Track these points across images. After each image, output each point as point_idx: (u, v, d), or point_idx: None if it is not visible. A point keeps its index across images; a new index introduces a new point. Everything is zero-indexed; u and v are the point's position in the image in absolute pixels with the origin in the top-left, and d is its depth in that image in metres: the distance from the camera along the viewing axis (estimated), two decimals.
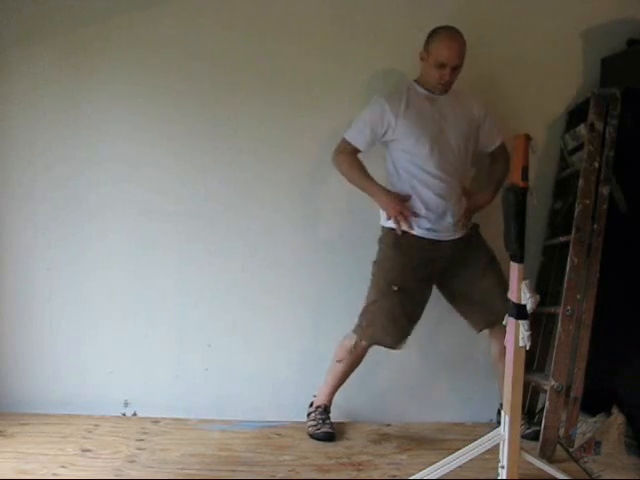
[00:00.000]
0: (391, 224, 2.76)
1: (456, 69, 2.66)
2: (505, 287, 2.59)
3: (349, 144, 2.78)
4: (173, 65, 3.05)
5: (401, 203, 2.72)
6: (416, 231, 2.74)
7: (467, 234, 2.81)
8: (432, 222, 2.74)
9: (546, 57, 3.04)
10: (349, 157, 2.79)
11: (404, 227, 2.71)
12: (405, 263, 2.76)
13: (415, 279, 2.77)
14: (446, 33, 2.65)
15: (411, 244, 2.75)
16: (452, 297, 2.87)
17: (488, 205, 2.82)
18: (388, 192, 2.75)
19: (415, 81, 2.78)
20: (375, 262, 2.83)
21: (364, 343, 2.82)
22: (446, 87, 2.70)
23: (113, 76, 3.06)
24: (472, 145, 2.80)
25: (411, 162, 2.73)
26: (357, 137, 2.77)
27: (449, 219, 2.75)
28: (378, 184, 2.77)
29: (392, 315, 2.75)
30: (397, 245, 2.77)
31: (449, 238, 2.77)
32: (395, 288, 2.73)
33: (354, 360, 2.86)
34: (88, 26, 3.03)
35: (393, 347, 2.79)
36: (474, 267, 2.79)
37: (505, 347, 2.63)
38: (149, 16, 3.03)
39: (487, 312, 2.74)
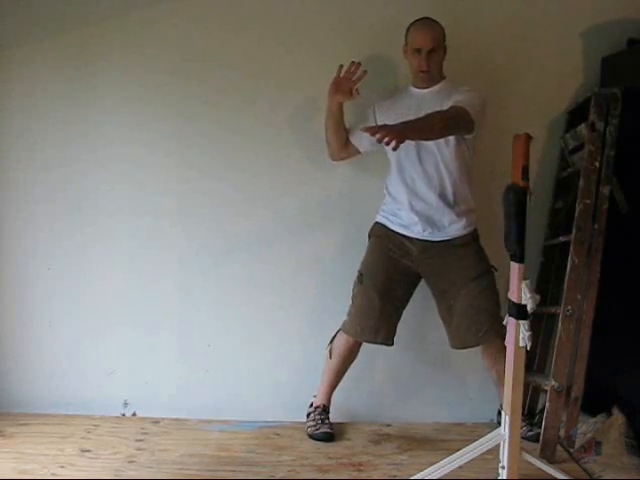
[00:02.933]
0: (377, 218, 2.85)
1: (432, 54, 2.69)
2: (492, 304, 2.64)
3: None
4: (174, 65, 3.05)
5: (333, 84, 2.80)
6: (390, 223, 2.80)
7: (460, 240, 2.77)
8: (405, 216, 2.77)
9: (546, 57, 3.04)
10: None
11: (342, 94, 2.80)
12: (374, 252, 2.82)
13: (386, 273, 2.78)
14: (420, 20, 2.73)
15: (384, 236, 2.81)
16: (437, 303, 2.85)
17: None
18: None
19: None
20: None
21: (344, 336, 2.84)
22: (427, 75, 2.73)
23: (113, 76, 3.06)
24: (456, 138, 2.72)
25: (391, 159, 2.81)
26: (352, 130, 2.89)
27: (423, 217, 2.75)
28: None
29: (362, 308, 2.80)
30: (370, 235, 2.87)
31: (432, 238, 2.76)
32: (358, 274, 2.79)
33: (346, 356, 2.86)
34: (88, 26, 3.04)
35: (367, 341, 2.81)
36: (457, 279, 2.74)
37: (495, 358, 2.71)
38: (149, 16, 3.04)
39: (457, 333, 2.76)
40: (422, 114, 2.53)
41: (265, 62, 3.05)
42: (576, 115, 2.95)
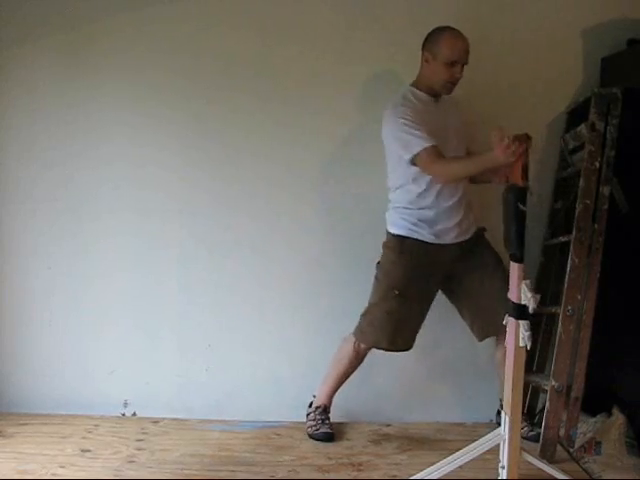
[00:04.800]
0: (396, 230, 2.76)
1: (463, 66, 2.65)
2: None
3: (425, 152, 2.55)
4: (175, 65, 3.05)
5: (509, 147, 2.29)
6: (421, 236, 2.73)
7: (472, 238, 2.80)
8: (437, 226, 2.73)
9: (546, 57, 3.04)
10: (439, 159, 2.56)
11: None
12: (408, 268, 2.74)
13: (417, 285, 2.76)
14: (452, 32, 2.64)
15: (415, 249, 2.74)
16: (457, 303, 2.85)
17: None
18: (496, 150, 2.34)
19: (412, 86, 2.74)
20: (379, 265, 2.82)
21: (363, 346, 2.82)
22: (454, 86, 2.69)
23: (114, 76, 3.06)
24: (461, 147, 2.77)
25: (411, 173, 2.69)
26: (422, 139, 2.56)
27: (454, 222, 2.74)
28: (480, 155, 2.51)
29: (391, 319, 2.74)
30: (401, 250, 2.75)
31: (453, 242, 2.76)
32: (396, 292, 2.72)
33: (353, 362, 2.86)
34: (88, 26, 3.04)
35: (390, 350, 2.79)
36: (478, 273, 2.76)
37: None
38: (149, 16, 3.04)
39: (488, 321, 2.73)
40: (448, 124, 2.66)
41: (269, 61, 3.05)
42: (576, 115, 2.95)
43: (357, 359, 2.86)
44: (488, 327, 2.74)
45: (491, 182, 2.66)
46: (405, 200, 2.75)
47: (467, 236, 2.79)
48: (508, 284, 2.59)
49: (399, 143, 2.62)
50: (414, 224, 2.73)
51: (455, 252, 2.77)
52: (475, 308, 2.79)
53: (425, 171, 2.62)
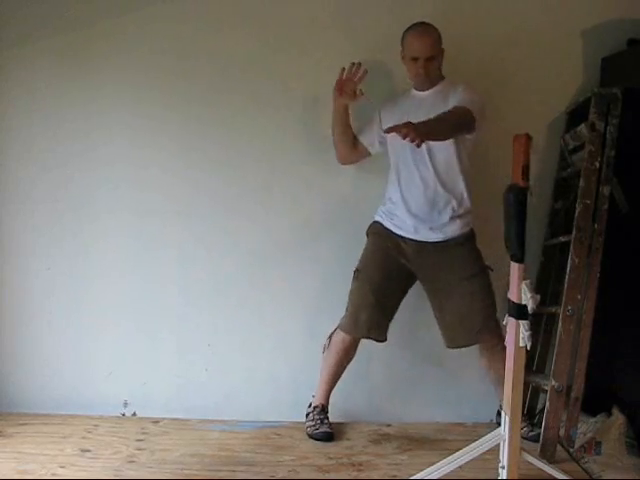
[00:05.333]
0: (375, 217, 2.86)
1: (430, 61, 2.69)
2: (485, 304, 2.67)
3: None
4: (175, 66, 3.05)
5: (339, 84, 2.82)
6: (384, 221, 2.83)
7: (447, 242, 2.77)
8: (395, 218, 2.79)
9: (546, 57, 3.04)
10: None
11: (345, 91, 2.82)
12: (370, 249, 2.85)
13: (380, 266, 2.81)
14: (415, 28, 2.72)
15: (377, 231, 2.84)
16: (431, 304, 2.85)
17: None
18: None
19: None
20: None
21: (340, 333, 2.85)
22: (425, 80, 2.74)
23: (113, 77, 3.06)
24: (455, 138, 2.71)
25: (393, 160, 2.82)
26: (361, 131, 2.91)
27: (413, 219, 2.76)
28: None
29: (356, 303, 2.82)
30: (368, 233, 2.88)
31: (414, 237, 2.78)
32: (356, 270, 2.82)
33: (341, 354, 2.87)
34: (88, 27, 3.04)
35: (360, 336, 2.83)
36: (451, 280, 2.75)
37: (491, 358, 2.72)
38: (149, 17, 3.04)
39: (455, 335, 2.76)
40: (421, 115, 2.52)
41: (268, 63, 3.05)
42: (576, 115, 2.95)
43: (346, 352, 2.87)
44: (454, 338, 2.78)
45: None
46: (387, 187, 2.88)
47: (434, 238, 2.77)
48: (480, 300, 2.67)
49: None
50: (382, 211, 2.86)
51: (418, 250, 2.78)
52: (442, 317, 2.80)
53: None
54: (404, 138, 2.29)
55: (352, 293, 2.85)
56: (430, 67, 2.70)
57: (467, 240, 2.80)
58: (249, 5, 3.04)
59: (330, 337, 2.89)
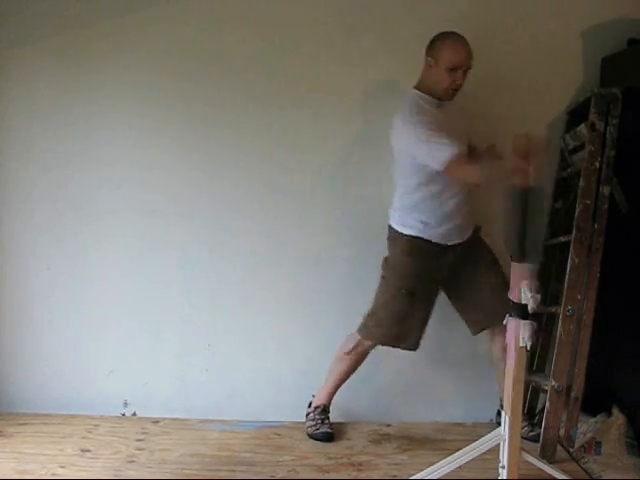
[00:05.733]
0: (406, 230, 2.76)
1: (466, 72, 2.65)
2: (506, 289, 2.60)
3: (455, 158, 2.53)
4: (175, 66, 3.05)
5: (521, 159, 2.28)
6: (429, 236, 2.75)
7: (471, 236, 2.82)
8: (443, 227, 2.75)
9: (546, 57, 3.04)
10: (467, 163, 2.59)
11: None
12: (416, 268, 2.77)
13: (423, 284, 2.79)
14: (454, 37, 2.65)
15: (423, 249, 2.76)
16: (454, 298, 2.87)
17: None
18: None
19: (416, 89, 2.73)
20: (386, 264, 2.83)
21: (369, 343, 2.83)
22: (456, 91, 2.69)
23: (114, 77, 3.06)
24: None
25: (418, 175, 2.70)
26: (448, 146, 2.54)
27: (458, 222, 2.76)
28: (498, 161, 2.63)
29: (400, 317, 2.77)
30: (410, 251, 2.77)
31: (457, 242, 2.78)
32: (404, 291, 2.75)
33: (356, 360, 2.87)
34: (89, 27, 3.03)
35: (399, 347, 2.81)
36: (475, 269, 2.80)
37: (506, 347, 2.67)
38: (149, 17, 3.04)
39: (484, 315, 2.76)
40: (453, 129, 2.60)
41: (268, 63, 3.05)
42: (576, 115, 2.95)
43: (359, 358, 2.87)
44: (483, 320, 2.78)
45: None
46: (415, 201, 2.75)
47: (468, 234, 2.81)
48: (504, 280, 2.62)
49: (423, 151, 2.59)
50: (423, 224, 2.74)
51: (457, 251, 2.79)
52: (471, 302, 2.81)
53: (454, 175, 2.60)
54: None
55: (399, 313, 2.76)
56: (465, 79, 2.67)
57: (479, 233, 2.87)
58: (252, 5, 3.04)
59: (356, 346, 2.85)
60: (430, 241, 2.75)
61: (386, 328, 2.79)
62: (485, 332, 2.83)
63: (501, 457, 2.30)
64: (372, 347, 2.85)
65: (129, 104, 3.07)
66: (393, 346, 2.82)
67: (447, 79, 2.64)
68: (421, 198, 2.73)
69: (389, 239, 2.83)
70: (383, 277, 2.82)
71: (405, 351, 2.81)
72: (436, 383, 3.14)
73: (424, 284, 2.79)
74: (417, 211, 2.75)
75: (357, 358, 2.87)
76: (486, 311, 2.73)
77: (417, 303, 2.78)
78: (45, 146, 3.08)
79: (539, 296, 2.22)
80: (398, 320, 2.77)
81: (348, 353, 2.87)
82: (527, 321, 2.21)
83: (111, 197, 3.09)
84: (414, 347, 2.82)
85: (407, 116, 2.66)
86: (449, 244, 2.77)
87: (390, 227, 2.82)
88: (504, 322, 2.31)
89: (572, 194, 2.84)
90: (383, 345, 2.83)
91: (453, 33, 2.66)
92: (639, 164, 2.75)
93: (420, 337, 2.81)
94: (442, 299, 2.87)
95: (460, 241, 2.79)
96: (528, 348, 2.24)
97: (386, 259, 2.83)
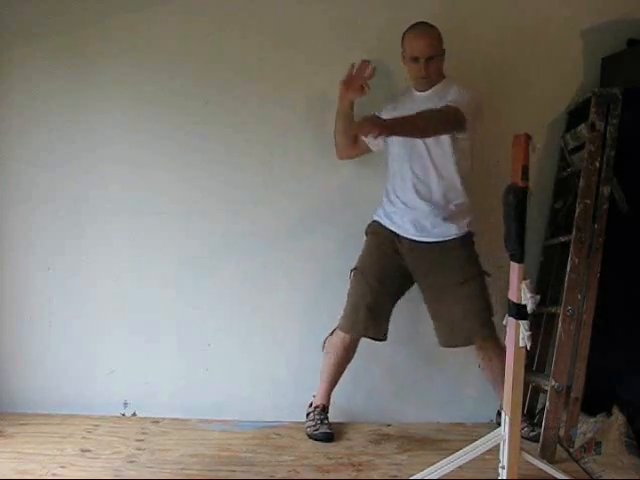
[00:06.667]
0: (374, 217, 2.86)
1: (430, 60, 2.69)
2: (479, 308, 2.67)
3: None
4: (174, 66, 3.06)
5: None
6: (382, 220, 2.83)
7: (444, 243, 2.75)
8: (395, 216, 2.79)
9: (546, 57, 3.04)
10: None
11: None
12: (369, 249, 2.85)
13: (379, 269, 2.81)
14: (416, 28, 2.73)
15: (376, 230, 2.85)
16: (426, 303, 2.84)
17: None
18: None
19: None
20: None
21: (340, 333, 2.85)
22: (426, 80, 2.74)
23: (114, 77, 3.06)
24: (450, 138, 2.71)
25: (391, 159, 2.83)
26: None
27: (410, 217, 2.76)
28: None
29: (354, 302, 2.83)
30: (367, 232, 2.89)
31: (411, 237, 2.78)
32: (355, 269, 2.83)
33: (340, 354, 2.87)
34: (88, 27, 3.04)
35: (358, 335, 2.83)
36: (445, 283, 2.74)
37: (488, 360, 2.74)
38: (149, 17, 3.04)
39: (450, 332, 2.76)
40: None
41: (265, 62, 3.05)
42: (576, 115, 2.96)
43: (346, 352, 2.87)
44: (450, 338, 2.78)
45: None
46: (387, 186, 2.87)
47: (431, 238, 2.76)
48: (474, 302, 2.67)
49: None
50: (382, 210, 2.86)
51: (415, 249, 2.78)
52: (436, 319, 2.80)
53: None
54: (366, 135, 2.37)
55: (350, 292, 2.86)
56: (430, 67, 2.70)
57: (464, 242, 2.78)
58: (251, 5, 3.04)
59: (328, 337, 2.90)
60: (386, 228, 2.82)
61: (347, 313, 2.84)
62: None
63: (501, 457, 2.30)
64: (350, 340, 2.84)
65: (129, 104, 3.07)
66: (357, 334, 2.83)
67: (412, 69, 2.74)
68: (389, 183, 2.85)
69: None
70: None
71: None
72: (436, 383, 3.14)
73: (377, 266, 2.81)
74: (384, 196, 2.86)
75: (338, 353, 2.86)
76: (453, 329, 2.74)
77: (369, 287, 2.79)
78: (45, 146, 3.08)
79: (538, 297, 2.22)
80: (353, 304, 2.82)
81: (323, 349, 2.90)
82: (526, 321, 2.21)
83: (111, 197, 3.09)
84: (379, 336, 2.82)
85: None
86: (404, 236, 2.78)
87: None
88: (504, 322, 2.31)
89: (572, 194, 2.84)
90: (350, 334, 2.82)
91: (419, 23, 2.74)
92: (639, 164, 2.75)
93: (382, 326, 2.81)
94: None
95: (422, 240, 2.76)
96: (528, 348, 2.24)
97: None
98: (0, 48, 3.03)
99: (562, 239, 2.84)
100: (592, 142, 2.70)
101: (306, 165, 3.09)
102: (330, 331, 2.90)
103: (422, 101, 2.73)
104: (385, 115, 2.78)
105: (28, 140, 3.07)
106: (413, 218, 2.76)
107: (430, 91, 2.76)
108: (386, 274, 2.82)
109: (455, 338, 2.75)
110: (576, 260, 2.66)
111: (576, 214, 2.68)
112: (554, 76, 3.04)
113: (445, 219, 2.75)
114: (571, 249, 2.68)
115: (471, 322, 2.70)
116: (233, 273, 3.13)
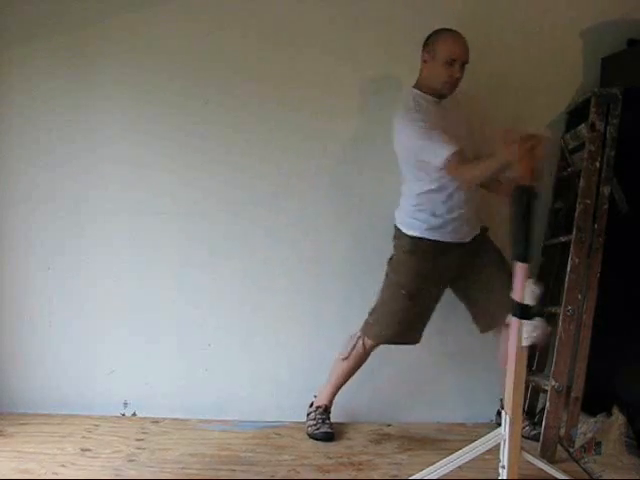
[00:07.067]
0: (410, 231, 2.76)
1: (463, 66, 2.65)
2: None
3: (453, 156, 2.51)
4: (174, 66, 3.05)
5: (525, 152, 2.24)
6: (434, 236, 2.74)
7: (479, 235, 2.82)
8: (450, 226, 2.74)
9: (546, 57, 3.04)
10: (465, 162, 2.56)
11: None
12: (419, 269, 2.76)
13: (426, 285, 2.78)
14: (451, 31, 2.66)
15: (426, 250, 2.76)
16: (463, 298, 2.87)
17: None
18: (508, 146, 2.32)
19: (415, 88, 2.72)
20: (391, 263, 2.83)
21: (369, 342, 2.83)
22: (454, 86, 2.68)
23: (114, 77, 3.06)
24: (470, 147, 2.72)
25: (427, 177, 2.69)
26: (447, 144, 2.53)
27: (465, 220, 2.75)
28: (494, 156, 2.46)
29: (398, 317, 2.77)
30: (413, 252, 2.77)
31: (462, 240, 2.78)
32: (404, 292, 2.75)
33: (358, 360, 2.87)
34: (88, 27, 3.03)
35: (398, 343, 2.82)
36: (483, 269, 2.78)
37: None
38: (149, 17, 3.03)
39: (491, 316, 2.75)
40: (449, 127, 2.59)
41: (266, 62, 3.05)
42: (576, 115, 2.96)
43: (362, 357, 2.87)
44: (491, 321, 2.76)
45: (497, 193, 2.77)
46: (418, 202, 2.74)
47: (474, 234, 2.81)
48: (510, 281, 2.62)
49: (424, 150, 2.59)
50: (429, 225, 2.74)
51: (464, 249, 2.79)
52: (479, 302, 2.80)
53: (452, 175, 2.58)
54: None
55: (399, 313, 2.77)
56: (462, 73, 2.65)
57: (486, 234, 2.87)
58: (251, 5, 3.04)
59: (354, 343, 2.85)
60: (433, 241, 2.74)
61: (384, 326, 2.80)
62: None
63: (501, 457, 2.29)
64: (373, 347, 2.84)
65: (129, 104, 3.07)
66: (391, 343, 2.82)
67: (445, 72, 2.64)
68: (425, 199, 2.72)
69: (394, 239, 2.83)
70: (387, 275, 2.83)
71: (407, 350, 2.81)
72: (437, 383, 3.14)
73: (426, 285, 2.78)
74: (421, 211, 2.74)
75: (357, 359, 2.86)
76: (494, 311, 2.71)
77: (417, 304, 2.77)
78: (45, 146, 3.07)
79: (538, 290, 2.21)
80: (396, 320, 2.78)
81: (345, 358, 2.87)
82: (531, 321, 2.21)
83: (111, 197, 3.09)
84: (414, 342, 2.83)
85: (407, 114, 2.65)
86: (453, 243, 2.76)
87: (395, 227, 2.83)
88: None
89: (572, 194, 2.84)
90: (382, 344, 2.83)
91: (449, 29, 2.67)
92: (639, 164, 2.75)
93: (420, 333, 2.82)
94: (446, 297, 2.87)
95: (465, 241, 2.78)
96: (539, 348, 2.23)
97: (391, 258, 2.83)
98: (0, 48, 3.03)
99: (562, 239, 2.84)
100: (592, 142, 2.70)
101: (306, 165, 3.08)
102: (355, 336, 2.85)
103: (446, 110, 2.70)
104: (420, 125, 2.59)
105: (28, 140, 3.07)
106: (467, 219, 2.76)
107: (446, 100, 2.71)
108: (434, 293, 2.82)
109: (499, 318, 2.66)
110: (576, 260, 2.67)
111: (576, 214, 2.69)
112: (554, 76, 3.04)
113: (477, 211, 2.81)
114: (571, 249, 2.68)
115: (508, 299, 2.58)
116: (233, 273, 3.12)
